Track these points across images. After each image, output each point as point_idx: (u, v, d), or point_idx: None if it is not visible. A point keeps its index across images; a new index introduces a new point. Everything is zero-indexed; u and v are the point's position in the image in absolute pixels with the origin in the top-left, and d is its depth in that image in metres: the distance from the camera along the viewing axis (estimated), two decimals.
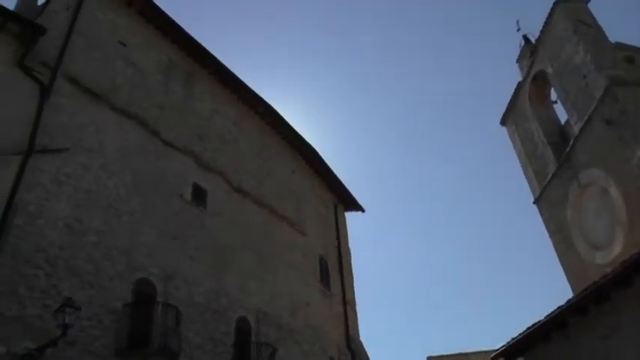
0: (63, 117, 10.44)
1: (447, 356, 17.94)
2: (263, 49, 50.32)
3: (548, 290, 46.16)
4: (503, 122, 18.60)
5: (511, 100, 17.81)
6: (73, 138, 10.49)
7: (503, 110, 18.23)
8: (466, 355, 17.80)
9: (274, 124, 17.33)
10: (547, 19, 15.48)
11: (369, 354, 17.32)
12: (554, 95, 16.40)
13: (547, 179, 15.91)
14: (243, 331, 12.51)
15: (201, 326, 11.28)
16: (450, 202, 53.56)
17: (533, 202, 16.71)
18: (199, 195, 13.10)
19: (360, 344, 17.54)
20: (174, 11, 13.84)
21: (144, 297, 10.40)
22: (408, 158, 54.01)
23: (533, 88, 16.85)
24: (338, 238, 19.44)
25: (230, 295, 12.64)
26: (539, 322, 9.91)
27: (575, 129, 14.30)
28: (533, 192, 16.84)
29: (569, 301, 9.50)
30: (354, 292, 19.29)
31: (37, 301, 8.50)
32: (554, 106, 16.82)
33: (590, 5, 15.12)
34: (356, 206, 21.24)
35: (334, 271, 18.22)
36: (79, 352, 8.65)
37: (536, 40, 16.61)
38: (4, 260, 8.34)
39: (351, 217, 21.52)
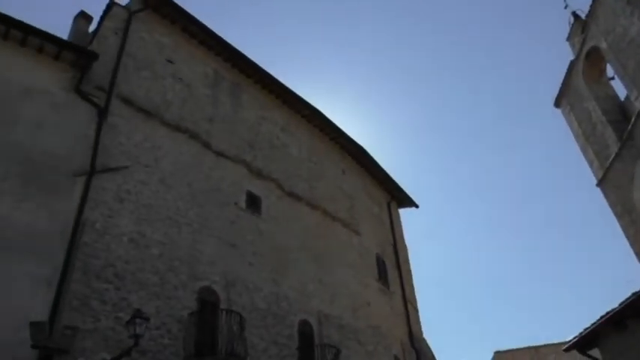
0: (120, 136, 10.90)
1: (515, 350, 17.35)
2: (304, 51, 50.66)
3: (620, 277, 43.91)
4: (557, 104, 17.85)
5: (564, 80, 17.06)
6: (131, 156, 10.93)
7: (557, 92, 17.50)
8: (536, 348, 17.16)
9: (322, 126, 17.40)
10: None
11: (435, 351, 17.05)
12: (610, 71, 15.56)
13: (609, 160, 15.11)
14: (305, 333, 12.61)
15: (264, 331, 11.45)
16: (507, 192, 51.97)
17: (596, 185, 15.93)
18: (253, 202, 13.35)
19: (424, 342, 17.30)
20: (214, 23, 14.16)
21: (208, 305, 10.68)
22: (459, 150, 52.86)
23: (587, 66, 16.06)
24: (393, 236, 19.28)
25: (290, 298, 12.78)
26: (612, 310, 9.42)
27: (637, 105, 13.52)
28: (595, 174, 16.04)
29: None
30: (413, 290, 19.07)
31: (109, 313, 8.89)
32: (612, 82, 15.98)
33: None
34: (409, 202, 21.00)
35: (392, 269, 18.07)
36: None
37: (587, 16, 15.83)
38: (77, 276, 8.78)
39: (405, 214, 21.32)
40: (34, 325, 7.53)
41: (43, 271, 8.58)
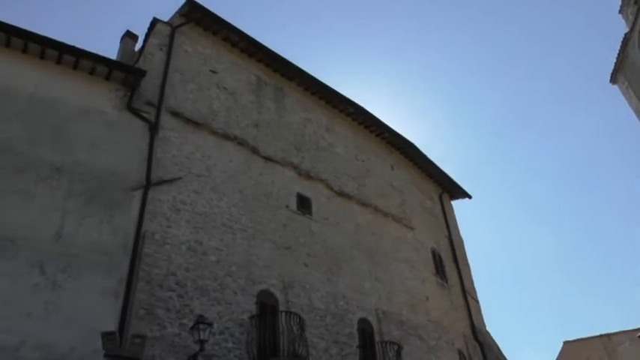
0: (172, 149, 11.25)
1: (586, 339, 16.63)
2: (342, 47, 50.60)
3: None
4: (613, 80, 17.02)
5: (619, 55, 16.25)
6: (183, 167, 11.25)
7: (612, 67, 16.68)
8: (608, 336, 16.38)
9: (367, 124, 17.32)
10: None
11: (499, 344, 16.61)
12: None
13: None
14: (365, 331, 12.58)
15: (324, 330, 11.50)
16: (565, 175, 49.98)
17: None
18: (304, 203, 13.46)
19: (488, 334, 16.90)
20: (251, 28, 14.36)
21: (267, 307, 10.84)
22: (511, 135, 51.28)
23: None
24: (448, 228, 18.96)
25: (347, 297, 12.78)
26: None
27: None
28: None
29: None
30: (473, 282, 18.68)
31: (174, 320, 9.18)
32: None
33: None
34: (462, 193, 20.58)
35: (449, 262, 17.77)
36: None
37: None
38: (141, 286, 9.12)
39: (459, 205, 20.90)
40: (106, 336, 7.88)
41: (110, 283, 8.97)
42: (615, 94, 16.95)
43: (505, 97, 51.11)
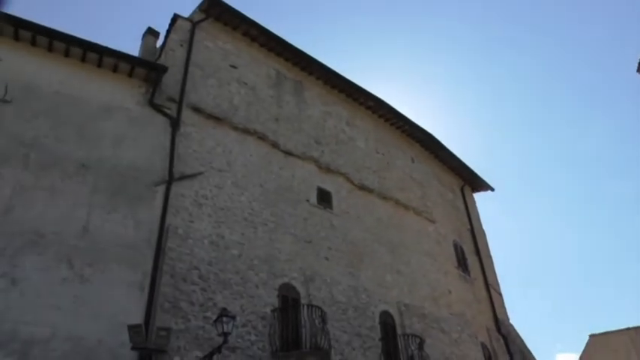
0: (193, 144, 11.37)
1: (612, 332, 16.37)
2: (362, 39, 50.33)
3: None
4: None
5: None
6: (205, 162, 11.36)
7: (639, 57, 16.23)
8: (635, 329, 16.09)
9: (387, 117, 17.24)
10: None
11: (523, 338, 16.44)
12: None
13: None
14: (387, 324, 12.58)
15: (346, 323, 11.54)
16: (590, 166, 49.00)
17: None
18: (324, 197, 13.49)
19: (512, 327, 16.74)
20: (271, 23, 14.38)
21: (289, 301, 10.92)
22: (534, 126, 50.47)
23: None
24: (470, 221, 18.80)
25: (369, 290, 12.79)
26: None
27: None
28: None
29: None
30: (495, 275, 18.52)
31: (198, 314, 9.32)
32: None
33: None
34: (484, 186, 20.37)
35: (471, 254, 17.63)
36: (241, 357, 9.32)
37: None
38: (165, 280, 9.27)
39: (481, 198, 20.70)
40: (132, 328, 8.02)
41: (136, 277, 9.14)
42: None
43: (529, 87, 50.30)
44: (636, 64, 16.54)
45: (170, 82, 11.62)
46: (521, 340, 16.25)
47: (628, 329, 15.85)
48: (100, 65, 10.99)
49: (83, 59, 10.85)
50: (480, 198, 20.82)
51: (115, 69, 11.11)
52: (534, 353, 16.07)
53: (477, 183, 20.30)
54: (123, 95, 11.04)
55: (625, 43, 42.67)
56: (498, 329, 16.32)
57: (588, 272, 47.41)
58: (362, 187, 14.80)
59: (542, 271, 49.19)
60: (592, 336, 17.39)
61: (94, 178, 9.70)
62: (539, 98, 49.78)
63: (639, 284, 43.50)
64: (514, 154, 50.99)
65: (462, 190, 19.74)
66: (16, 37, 10.32)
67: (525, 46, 49.05)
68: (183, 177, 10.77)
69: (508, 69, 50.19)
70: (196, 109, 11.84)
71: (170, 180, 10.47)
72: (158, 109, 11.19)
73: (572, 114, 49.53)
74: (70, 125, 10.03)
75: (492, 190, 20.54)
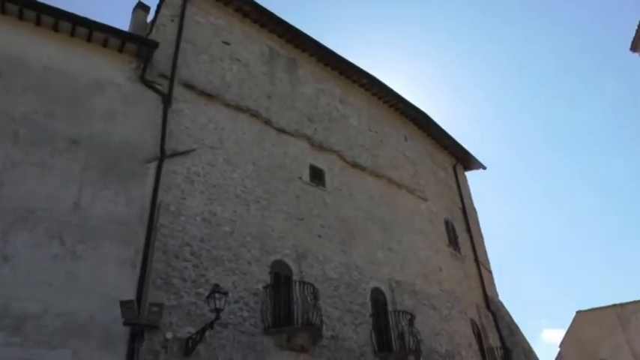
0: (185, 121, 11.29)
1: (599, 309, 16.67)
2: (354, 17, 49.75)
3: None
4: (633, 48, 16.54)
5: None
6: (197, 139, 11.31)
7: (633, 35, 16.18)
8: (621, 306, 16.40)
9: (380, 95, 17.17)
10: None
11: (512, 314, 16.73)
12: None
13: None
14: (379, 301, 12.74)
15: (338, 300, 11.68)
16: (581, 144, 49.23)
17: None
18: (317, 175, 13.50)
19: (501, 304, 17.01)
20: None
21: (281, 277, 11.01)
22: (526, 105, 50.47)
23: None
24: (461, 199, 18.92)
25: (361, 267, 12.91)
26: None
27: None
28: None
29: None
30: (486, 252, 18.74)
31: (190, 290, 9.38)
32: None
33: None
34: (476, 164, 20.45)
35: (462, 232, 17.80)
36: (233, 333, 9.43)
37: None
38: (157, 257, 9.31)
39: (473, 176, 20.78)
40: (124, 304, 8.07)
41: (127, 254, 9.17)
42: (635, 62, 16.47)
43: (522, 66, 50.13)
44: (630, 43, 16.51)
45: (161, 57, 11.47)
46: (510, 317, 16.54)
47: (614, 305, 16.14)
48: (89, 40, 10.80)
49: (72, 34, 10.66)
50: (471, 176, 20.93)
51: (105, 44, 10.93)
52: (522, 329, 16.40)
53: (469, 161, 20.37)
54: (113, 71, 10.90)
55: (619, 20, 42.50)
56: (487, 306, 16.58)
57: (576, 250, 48.09)
58: (355, 165, 14.81)
59: (532, 249, 49.84)
60: (579, 312, 17.71)
61: (85, 154, 9.63)
62: (532, 76, 49.70)
63: (626, 262, 44.21)
64: (506, 133, 51.11)
65: (454, 168, 19.81)
66: (3, 11, 10.11)
67: (519, 23, 48.74)
68: (175, 154, 10.72)
69: (501, 47, 49.96)
70: (188, 86, 11.73)
71: (162, 157, 10.42)
72: (149, 85, 11.07)
73: (565, 92, 49.55)
74: (60, 101, 9.91)
75: (484, 168, 20.63)
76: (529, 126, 50.58)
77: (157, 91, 11.10)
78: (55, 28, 10.52)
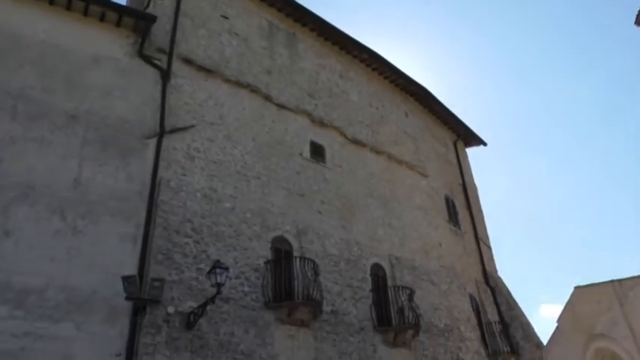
0: (184, 96, 11.21)
1: (597, 285, 16.77)
2: None
3: None
4: (638, 22, 16.30)
5: None
6: (197, 115, 11.24)
7: (637, 10, 15.94)
8: (620, 281, 16.51)
9: (381, 70, 17.00)
10: None
11: (510, 289, 16.89)
12: None
13: None
14: (378, 276, 12.85)
15: (338, 275, 11.77)
16: (584, 118, 48.98)
17: None
18: (317, 151, 13.47)
19: (499, 279, 17.17)
20: None
21: (282, 253, 11.08)
22: (527, 78, 50.08)
23: None
24: (462, 175, 18.92)
25: (361, 243, 12.97)
26: None
27: None
28: None
29: None
30: (485, 228, 18.82)
31: (191, 265, 9.45)
32: None
33: None
34: (477, 140, 20.39)
35: (462, 208, 17.85)
36: (234, 307, 9.53)
37: None
38: (158, 233, 9.34)
39: (473, 152, 20.74)
40: (126, 279, 8.15)
41: (128, 229, 9.21)
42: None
43: (524, 40, 49.54)
44: (634, 16, 16.26)
45: (159, 32, 11.32)
46: (508, 292, 16.71)
47: (612, 281, 16.24)
48: (86, 14, 10.65)
49: (68, 8, 10.50)
50: (472, 153, 20.89)
51: (102, 18, 10.78)
52: (520, 304, 16.57)
53: (469, 137, 20.30)
54: (111, 45, 10.77)
55: None
56: (486, 281, 16.73)
57: (576, 226, 48.26)
58: (355, 141, 14.76)
59: (531, 225, 50.03)
60: (577, 288, 17.83)
61: (83, 130, 9.59)
62: (534, 50, 49.15)
63: (625, 238, 44.46)
64: (507, 108, 50.79)
65: (454, 144, 19.76)
66: None
67: None
68: (175, 130, 10.67)
69: (503, 21, 49.28)
70: (187, 61, 11.61)
71: (161, 133, 10.38)
72: (148, 60, 10.96)
73: (567, 67, 49.05)
74: (57, 76, 9.82)
75: (485, 144, 20.58)
76: (531, 101, 50.25)
77: (155, 66, 10.99)
78: (51, 2, 10.36)
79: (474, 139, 20.39)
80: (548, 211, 48.73)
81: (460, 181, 18.70)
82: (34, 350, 7.54)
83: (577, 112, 48.96)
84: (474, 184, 19.79)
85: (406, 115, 17.56)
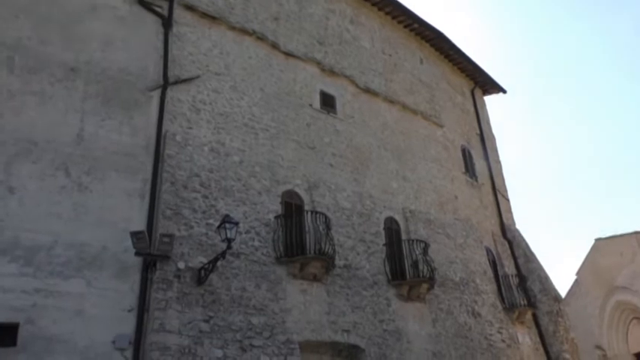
0: (188, 46, 10.74)
1: (619, 236, 16.42)
2: None
3: None
4: None
5: None
6: (201, 65, 10.80)
7: None
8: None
9: (394, 14, 16.19)
10: None
11: (528, 242, 16.58)
12: None
13: None
14: (392, 230, 12.60)
15: (350, 229, 11.55)
16: (611, 63, 47.09)
17: None
18: (328, 101, 13.00)
19: (517, 232, 16.84)
20: None
21: (292, 207, 10.84)
22: (549, 28, 48.01)
23: None
24: (479, 125, 18.30)
25: (374, 196, 12.68)
26: None
27: None
28: None
29: None
30: (503, 180, 18.35)
31: (201, 220, 9.26)
32: None
33: None
34: (496, 88, 19.61)
35: (479, 159, 17.35)
36: (245, 262, 9.39)
37: None
38: (166, 188, 9.13)
39: (492, 101, 20.01)
40: (135, 235, 8.00)
41: (135, 185, 9.02)
42: None
43: None
44: None
45: None
46: (526, 244, 16.40)
47: (635, 233, 15.86)
48: None
49: None
50: (491, 101, 20.16)
51: None
52: (539, 257, 16.28)
53: (488, 85, 19.51)
54: None
55: None
56: (504, 234, 16.42)
57: (599, 176, 47.28)
58: (367, 91, 14.21)
59: (552, 177, 49.17)
60: (598, 240, 17.49)
61: (84, 82, 9.26)
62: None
63: None
64: (529, 54, 48.95)
65: (472, 92, 19.01)
66: None
67: None
68: (179, 81, 10.28)
69: None
70: (189, 7, 11.06)
71: (165, 84, 10.01)
72: (148, 7, 10.47)
73: (591, 15, 46.77)
74: (54, 25, 9.37)
75: (504, 92, 19.80)
76: (553, 46, 48.33)
77: (156, 13, 10.50)
78: None
79: (492, 87, 19.61)
80: (570, 161, 47.73)
81: (477, 131, 18.11)
82: (46, 306, 7.51)
83: (601, 59, 47.03)
84: (492, 134, 19.17)
85: (421, 62, 16.85)
